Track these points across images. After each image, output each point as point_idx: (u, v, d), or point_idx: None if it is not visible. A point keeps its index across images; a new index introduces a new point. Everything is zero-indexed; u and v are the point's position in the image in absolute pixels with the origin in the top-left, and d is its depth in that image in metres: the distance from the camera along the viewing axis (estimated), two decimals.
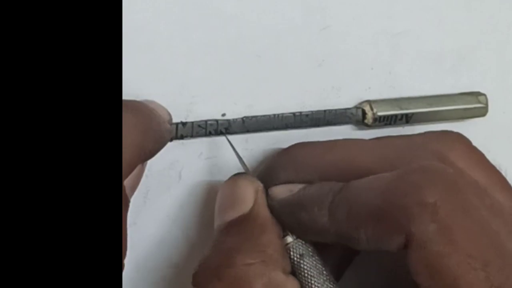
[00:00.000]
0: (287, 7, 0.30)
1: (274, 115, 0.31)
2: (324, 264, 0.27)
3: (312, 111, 0.31)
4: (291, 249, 0.27)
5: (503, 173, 0.29)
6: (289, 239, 0.27)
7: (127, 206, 0.26)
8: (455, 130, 0.30)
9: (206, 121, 0.30)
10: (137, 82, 0.29)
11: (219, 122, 0.30)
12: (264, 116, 0.31)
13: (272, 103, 0.31)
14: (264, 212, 0.28)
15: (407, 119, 0.32)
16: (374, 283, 0.32)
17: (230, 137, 0.30)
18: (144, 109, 0.27)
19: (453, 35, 0.33)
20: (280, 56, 0.31)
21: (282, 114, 0.31)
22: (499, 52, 0.34)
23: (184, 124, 0.30)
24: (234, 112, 0.30)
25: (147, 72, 0.29)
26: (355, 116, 0.32)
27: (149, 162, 0.28)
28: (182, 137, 0.30)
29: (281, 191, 0.28)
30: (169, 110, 0.29)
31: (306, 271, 0.27)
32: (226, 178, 0.29)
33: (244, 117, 0.30)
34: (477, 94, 0.33)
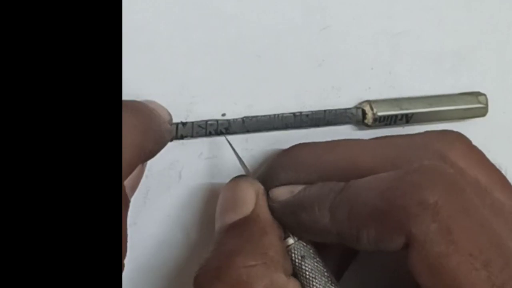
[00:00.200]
0: (287, 7, 0.30)
1: (274, 115, 0.31)
2: (326, 265, 0.27)
3: (312, 111, 0.31)
4: (293, 251, 0.27)
5: (503, 173, 0.29)
6: (291, 241, 0.27)
7: (127, 206, 0.26)
8: (455, 130, 0.30)
9: (206, 121, 0.30)
10: (137, 82, 0.29)
11: (219, 122, 0.30)
12: (264, 116, 0.31)
13: (272, 103, 0.31)
14: (265, 214, 0.28)
15: (407, 119, 0.32)
16: (375, 284, 0.32)
17: (230, 137, 0.30)
18: (144, 109, 0.27)
19: (453, 35, 0.33)
20: (280, 56, 0.31)
21: (282, 114, 0.31)
22: (499, 52, 0.34)
23: (184, 124, 0.30)
24: (234, 112, 0.30)
25: (147, 72, 0.29)
26: (355, 116, 0.32)
27: (149, 162, 0.28)
28: (182, 137, 0.30)
29: (282, 193, 0.28)
30: (169, 110, 0.29)
31: (307, 273, 0.27)
32: (226, 178, 0.29)
33: (244, 117, 0.30)
34: (477, 94, 0.33)
